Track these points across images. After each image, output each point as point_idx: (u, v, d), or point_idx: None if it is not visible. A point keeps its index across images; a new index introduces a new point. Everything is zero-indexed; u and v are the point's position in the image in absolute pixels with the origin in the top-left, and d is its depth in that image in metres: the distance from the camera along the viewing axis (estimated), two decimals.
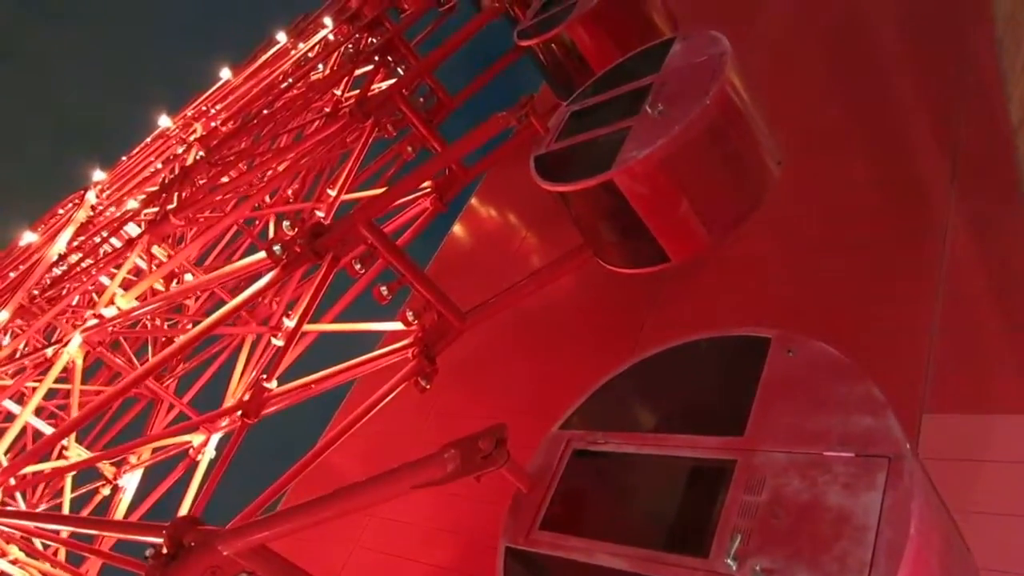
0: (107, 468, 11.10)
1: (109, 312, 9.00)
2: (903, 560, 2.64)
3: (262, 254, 7.43)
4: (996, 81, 9.56)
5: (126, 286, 13.01)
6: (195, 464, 10.81)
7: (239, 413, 7.31)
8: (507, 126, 6.34)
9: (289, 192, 13.97)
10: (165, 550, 4.47)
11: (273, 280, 6.88)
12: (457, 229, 20.19)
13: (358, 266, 7.23)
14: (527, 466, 3.90)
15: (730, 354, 3.79)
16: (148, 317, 11.77)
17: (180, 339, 7.68)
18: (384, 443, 10.67)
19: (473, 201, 20.33)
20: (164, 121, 22.52)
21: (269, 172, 11.50)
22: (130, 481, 11.36)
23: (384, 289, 7.41)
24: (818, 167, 9.76)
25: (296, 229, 7.01)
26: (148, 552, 4.57)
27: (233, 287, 11.09)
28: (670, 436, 3.57)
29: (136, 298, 9.39)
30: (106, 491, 11.67)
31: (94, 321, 9.00)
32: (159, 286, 11.78)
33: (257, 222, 13.43)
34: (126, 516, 11.11)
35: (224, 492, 7.17)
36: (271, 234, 13.31)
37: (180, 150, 15.37)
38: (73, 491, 10.85)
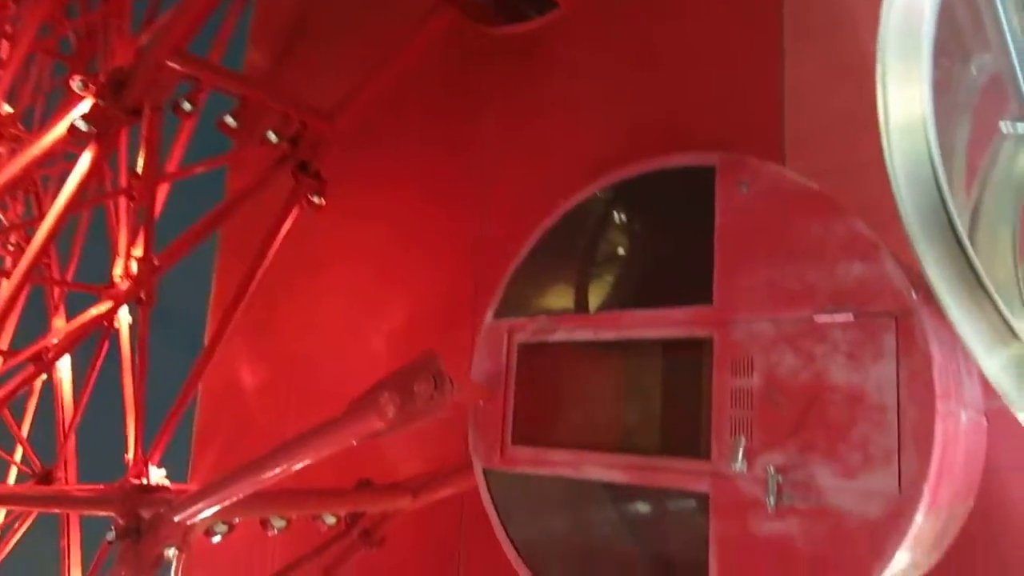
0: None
1: None
2: (934, 443, 2.30)
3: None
4: None
5: None
6: (116, 332, 10.16)
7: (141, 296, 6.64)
8: None
9: None
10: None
11: (94, 160, 5.60)
12: None
13: (187, 105, 5.90)
14: (470, 370, 3.40)
15: (669, 193, 3.07)
16: None
17: (41, 231, 6.42)
18: None
19: None
20: None
21: None
22: (63, 366, 10.79)
23: (229, 119, 6.15)
24: None
25: (89, 85, 5.52)
26: (110, 536, 4.32)
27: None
28: (624, 313, 3.01)
29: None
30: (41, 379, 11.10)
31: None
32: None
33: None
34: (76, 400, 10.66)
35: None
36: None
37: None
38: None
